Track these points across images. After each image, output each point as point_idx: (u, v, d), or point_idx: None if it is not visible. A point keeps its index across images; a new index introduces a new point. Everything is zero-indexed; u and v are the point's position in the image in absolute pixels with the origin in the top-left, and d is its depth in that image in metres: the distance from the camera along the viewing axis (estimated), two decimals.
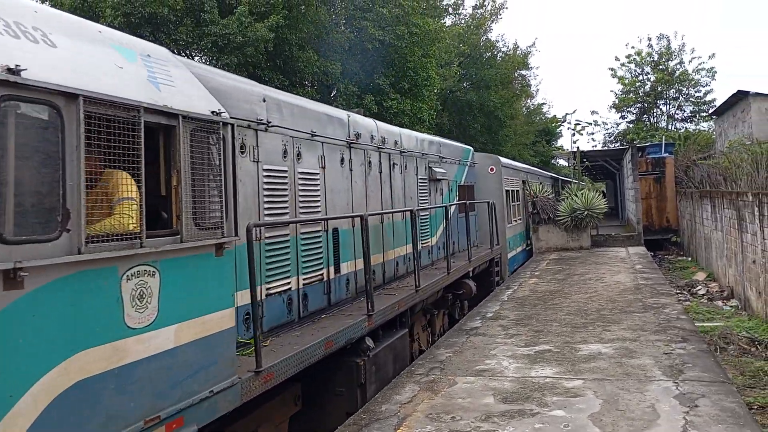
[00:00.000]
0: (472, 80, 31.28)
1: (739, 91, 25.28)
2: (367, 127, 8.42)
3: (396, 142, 9.46)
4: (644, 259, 17.55)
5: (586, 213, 19.77)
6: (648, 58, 47.65)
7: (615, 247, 20.81)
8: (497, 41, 35.62)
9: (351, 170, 7.80)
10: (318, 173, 6.88)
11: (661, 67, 47.08)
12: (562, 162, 49.77)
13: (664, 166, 26.02)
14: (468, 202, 12.36)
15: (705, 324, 11.21)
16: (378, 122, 9.17)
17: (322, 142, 7.05)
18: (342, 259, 7.30)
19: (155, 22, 14.55)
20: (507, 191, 16.54)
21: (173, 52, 7.78)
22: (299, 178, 6.42)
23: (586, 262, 17.23)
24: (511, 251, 16.81)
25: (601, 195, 21.36)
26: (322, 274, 6.82)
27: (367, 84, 19.13)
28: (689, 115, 47.51)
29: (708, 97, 46.20)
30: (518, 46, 37.96)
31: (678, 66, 46.85)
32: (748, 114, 24.75)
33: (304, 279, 6.41)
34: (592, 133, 62.36)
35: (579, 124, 35.12)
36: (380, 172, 8.84)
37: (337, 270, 7.19)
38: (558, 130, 52.24)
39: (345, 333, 6.07)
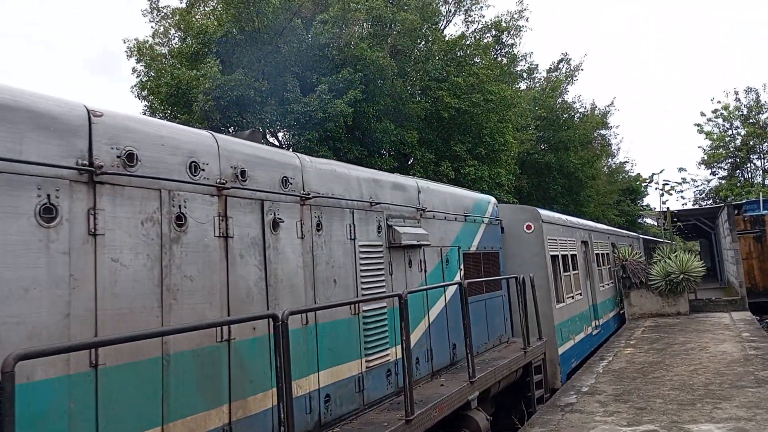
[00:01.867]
0: (550, 142, 31.01)
1: None
2: (173, 144, 4.09)
3: (285, 181, 5.09)
4: (751, 325, 16.17)
5: (681, 276, 18.63)
6: (736, 112, 45.77)
7: (716, 312, 19.36)
8: (574, 102, 35.40)
9: (95, 234, 3.50)
10: None
11: (751, 120, 45.02)
12: (649, 221, 47.74)
13: (764, 224, 24.33)
14: (463, 283, 6.92)
15: None
16: (225, 137, 4.75)
17: None
18: None
19: (243, 104, 15.44)
20: (555, 257, 12.27)
21: (258, 130, 8.00)
22: None
23: (685, 329, 16.07)
24: (566, 342, 12.17)
25: (697, 256, 20.11)
26: None
27: (444, 151, 19.30)
28: None
29: None
30: (596, 106, 37.60)
31: None
32: None
33: None
34: (682, 191, 59.86)
35: (667, 184, 33.76)
36: (225, 237, 4.39)
37: None
38: (643, 187, 50.49)
39: None
